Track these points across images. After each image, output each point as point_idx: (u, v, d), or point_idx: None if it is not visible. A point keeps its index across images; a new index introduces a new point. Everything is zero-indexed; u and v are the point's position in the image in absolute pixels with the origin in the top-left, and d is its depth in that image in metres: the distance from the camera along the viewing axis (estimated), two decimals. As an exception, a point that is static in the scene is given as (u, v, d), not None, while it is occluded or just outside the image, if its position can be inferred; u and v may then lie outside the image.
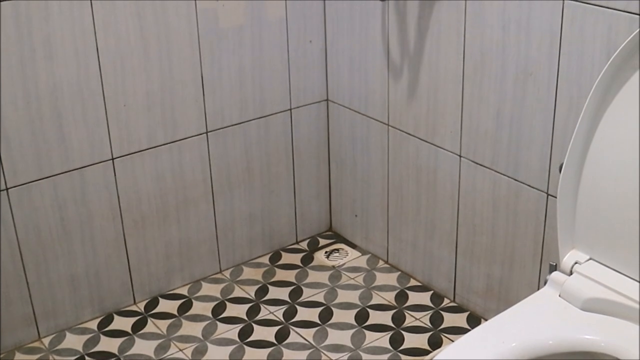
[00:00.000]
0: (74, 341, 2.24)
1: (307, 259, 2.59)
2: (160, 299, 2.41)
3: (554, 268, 1.61)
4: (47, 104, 2.05)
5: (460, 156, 2.16)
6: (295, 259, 2.60)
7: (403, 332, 2.23)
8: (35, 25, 1.97)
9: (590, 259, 1.59)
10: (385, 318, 2.29)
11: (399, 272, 2.49)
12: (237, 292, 2.44)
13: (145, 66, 2.17)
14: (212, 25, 2.24)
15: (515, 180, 2.03)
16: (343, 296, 2.40)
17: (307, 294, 2.41)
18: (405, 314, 2.31)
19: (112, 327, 2.30)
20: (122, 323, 2.31)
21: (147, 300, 2.40)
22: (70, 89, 2.07)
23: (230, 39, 2.29)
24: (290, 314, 2.33)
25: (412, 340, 2.20)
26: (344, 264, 2.56)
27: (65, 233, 2.19)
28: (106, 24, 2.07)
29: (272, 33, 2.36)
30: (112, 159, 2.20)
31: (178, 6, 2.16)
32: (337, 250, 2.64)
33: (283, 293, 2.42)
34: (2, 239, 2.09)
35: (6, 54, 1.95)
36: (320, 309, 2.35)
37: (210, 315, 2.33)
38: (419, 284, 2.44)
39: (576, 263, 1.58)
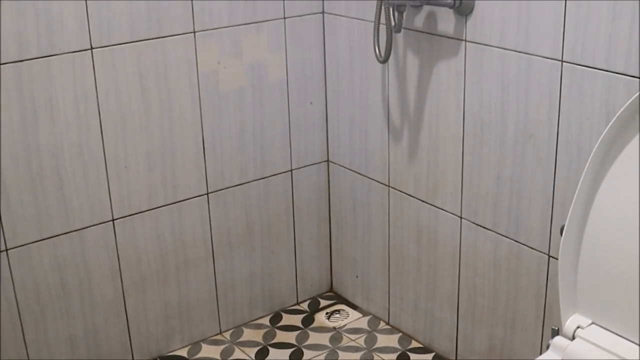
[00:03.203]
0: (72, 404, 2.22)
1: (308, 320, 2.57)
2: (159, 361, 2.39)
3: (556, 332, 1.60)
4: (48, 165, 2.05)
5: (460, 217, 2.16)
6: (296, 320, 2.58)
7: (404, 396, 2.21)
8: (37, 87, 1.98)
9: (593, 323, 1.57)
10: (386, 381, 2.27)
11: (400, 334, 2.47)
12: (237, 354, 2.41)
13: (147, 127, 2.18)
14: (213, 87, 2.26)
15: (516, 241, 2.02)
16: (344, 358, 2.37)
17: (308, 356, 2.39)
18: (407, 376, 2.29)
19: (110, 389, 2.28)
20: (121, 386, 2.29)
21: (146, 362, 2.38)
22: (71, 150, 2.07)
23: (231, 100, 2.30)
24: (290, 376, 2.31)
25: (413, 404, 2.19)
26: (345, 325, 2.54)
27: (65, 293, 2.17)
28: (108, 86, 2.08)
29: (273, 95, 2.38)
30: (113, 220, 2.19)
31: (179, 68, 2.18)
32: (338, 311, 2.62)
33: (284, 355, 2.40)
34: (1, 299, 2.08)
35: (8, 115, 1.96)
36: (320, 371, 2.33)
37: (210, 377, 2.32)
38: (421, 345, 2.42)
39: (578, 327, 1.57)
